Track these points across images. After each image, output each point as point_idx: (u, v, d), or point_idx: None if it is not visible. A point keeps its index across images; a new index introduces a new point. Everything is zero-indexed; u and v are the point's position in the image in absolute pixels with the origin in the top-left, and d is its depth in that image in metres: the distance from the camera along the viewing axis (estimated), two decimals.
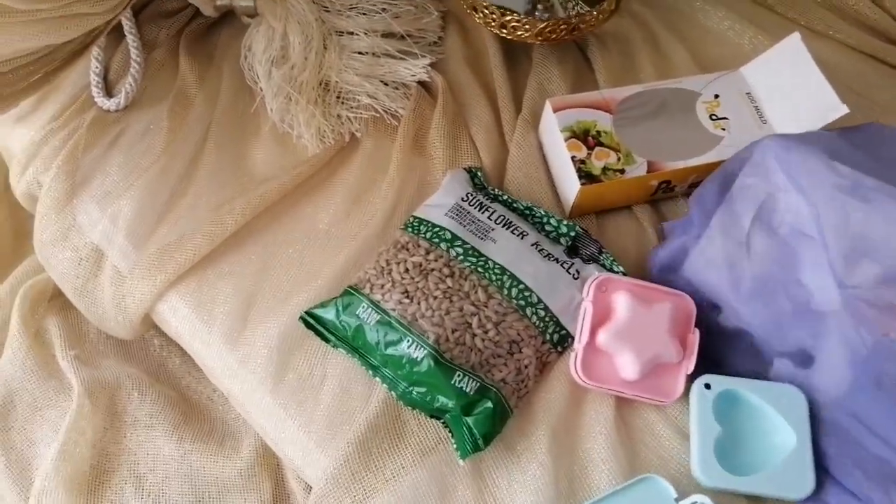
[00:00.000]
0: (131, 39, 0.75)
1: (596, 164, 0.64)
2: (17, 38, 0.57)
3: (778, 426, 0.57)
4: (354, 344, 0.59)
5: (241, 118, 0.74)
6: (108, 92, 0.74)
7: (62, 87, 0.74)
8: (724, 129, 0.67)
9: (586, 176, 0.64)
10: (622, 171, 0.64)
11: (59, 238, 0.68)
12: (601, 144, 0.65)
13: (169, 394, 0.73)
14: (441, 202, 0.65)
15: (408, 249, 0.62)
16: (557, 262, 0.62)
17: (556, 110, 0.67)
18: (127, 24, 0.76)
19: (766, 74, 0.69)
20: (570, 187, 0.65)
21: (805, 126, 0.64)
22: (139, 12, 0.79)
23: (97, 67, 0.74)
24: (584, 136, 0.66)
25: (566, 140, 0.65)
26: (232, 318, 0.63)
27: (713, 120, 0.68)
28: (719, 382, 0.58)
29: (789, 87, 0.67)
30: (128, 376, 0.73)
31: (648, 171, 0.64)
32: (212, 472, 0.69)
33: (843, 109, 0.62)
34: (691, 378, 0.58)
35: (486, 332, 0.58)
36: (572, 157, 0.64)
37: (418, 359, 0.56)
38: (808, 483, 0.55)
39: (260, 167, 0.72)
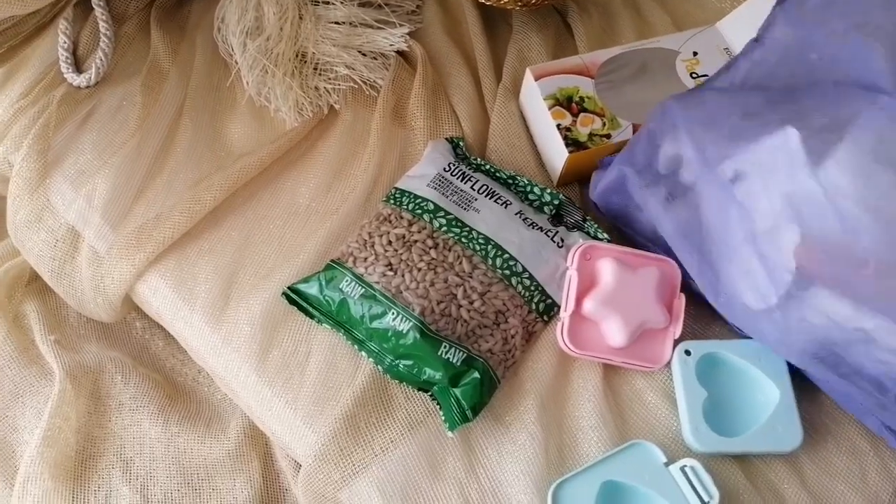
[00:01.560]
0: (100, 12, 0.73)
1: (582, 131, 0.63)
2: None
3: (760, 383, 0.58)
4: (339, 318, 0.58)
5: (217, 92, 0.73)
6: (78, 67, 0.72)
7: (30, 64, 0.71)
8: None
9: (573, 143, 0.63)
10: (608, 136, 0.63)
11: (33, 220, 0.67)
12: (585, 110, 0.64)
13: (153, 376, 0.72)
14: (423, 173, 0.64)
15: (390, 221, 0.61)
16: (542, 231, 0.61)
17: (537, 78, 0.66)
18: None
19: (742, 28, 0.69)
20: (557, 156, 0.64)
21: None
22: None
23: (65, 42, 0.71)
24: (568, 103, 0.65)
25: (550, 108, 0.64)
26: (213, 296, 0.62)
27: (694, 78, 0.67)
28: (699, 347, 0.58)
29: None
30: (110, 360, 0.71)
31: (634, 134, 0.64)
32: (199, 454, 0.68)
33: None
34: (679, 343, 0.58)
35: (471, 303, 0.58)
36: (557, 125, 0.63)
37: (404, 331, 0.56)
38: (797, 435, 0.55)
39: (237, 142, 0.70)
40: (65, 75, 0.71)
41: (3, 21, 0.60)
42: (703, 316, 0.61)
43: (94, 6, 0.73)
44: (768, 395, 0.57)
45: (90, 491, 0.65)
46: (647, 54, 0.68)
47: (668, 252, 0.59)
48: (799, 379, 0.57)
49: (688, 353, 0.58)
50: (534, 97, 0.66)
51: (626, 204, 0.60)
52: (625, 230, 0.63)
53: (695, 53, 0.69)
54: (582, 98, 0.65)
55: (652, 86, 0.67)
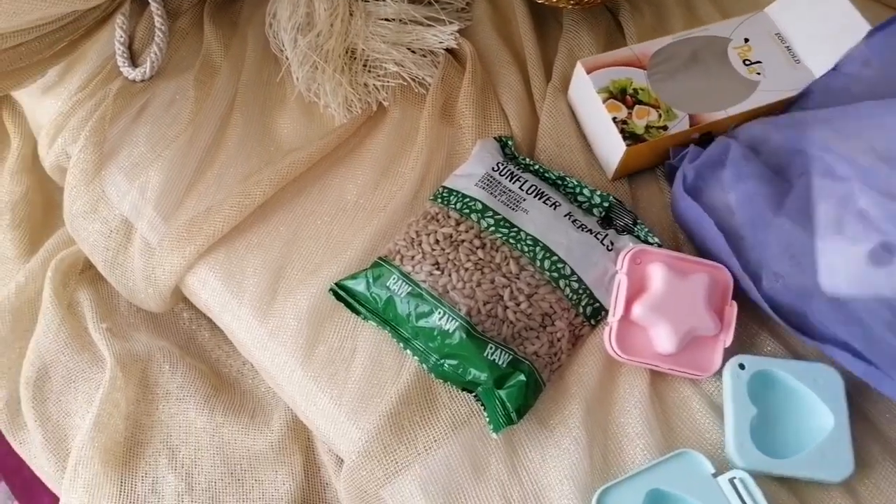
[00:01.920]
0: (155, 8, 0.74)
1: (638, 123, 0.62)
2: (43, 3, 0.56)
3: (815, 407, 0.56)
4: (385, 316, 0.59)
5: (267, 87, 0.73)
6: (134, 61, 0.74)
7: (87, 57, 0.73)
8: (759, 74, 0.66)
9: (630, 136, 0.62)
10: (665, 128, 0.62)
11: (88, 210, 0.68)
12: (640, 102, 0.63)
13: (199, 366, 0.74)
14: (471, 172, 0.63)
15: (438, 220, 0.61)
16: (591, 233, 0.60)
17: (588, 71, 0.65)
18: None
19: (792, 12, 0.67)
20: (614, 149, 0.63)
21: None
22: None
23: (122, 37, 0.73)
24: (622, 96, 0.64)
25: (604, 101, 0.63)
26: (261, 289, 0.63)
27: (747, 65, 0.66)
28: (753, 363, 0.57)
29: (818, 22, 0.65)
30: (159, 349, 0.73)
31: (691, 125, 0.63)
32: (243, 445, 0.69)
33: None
34: (729, 351, 0.57)
35: (518, 305, 0.57)
36: (613, 118, 0.62)
37: (450, 331, 0.55)
38: (847, 465, 0.53)
39: (286, 137, 0.71)
40: (121, 69, 0.72)
41: (65, 16, 0.61)
42: (751, 324, 0.60)
43: (149, 2, 0.74)
44: (821, 420, 0.55)
45: (137, 477, 0.66)
46: (698, 43, 0.67)
47: (731, 241, 0.58)
48: (857, 408, 0.55)
49: (742, 367, 0.56)
50: (586, 91, 0.65)
51: (712, 180, 0.60)
52: (689, 220, 0.62)
53: (746, 40, 0.67)
54: (636, 90, 0.64)
55: (705, 75, 0.65)
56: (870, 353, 0.53)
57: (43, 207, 0.84)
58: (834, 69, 0.64)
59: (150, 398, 0.70)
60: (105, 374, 0.69)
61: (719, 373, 0.57)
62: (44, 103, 0.74)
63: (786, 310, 0.57)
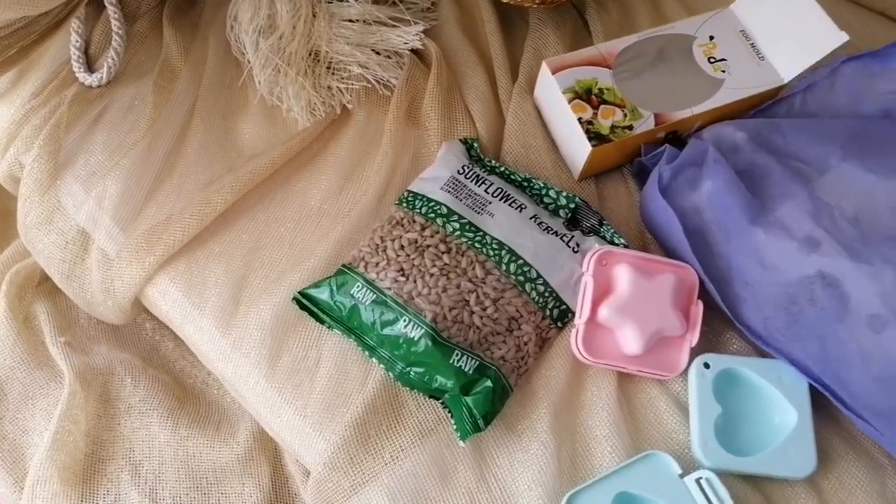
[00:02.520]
0: (112, 11, 0.72)
1: (603, 123, 0.62)
2: None
3: (778, 405, 0.56)
4: (350, 324, 0.57)
5: (229, 91, 0.72)
6: (90, 67, 0.72)
7: (42, 63, 0.71)
8: (724, 71, 0.65)
9: (595, 136, 0.61)
10: (630, 128, 0.62)
11: (43, 221, 0.66)
12: (606, 102, 0.63)
13: (163, 378, 0.72)
14: (436, 175, 0.63)
15: (402, 225, 0.60)
16: (557, 236, 0.60)
17: (554, 71, 0.64)
18: None
19: (756, 9, 0.67)
20: (579, 150, 0.63)
21: (805, 59, 0.63)
22: None
23: (77, 41, 0.71)
24: (587, 96, 0.63)
25: (569, 101, 0.63)
26: (223, 300, 0.62)
27: (712, 63, 0.66)
28: (719, 361, 0.57)
29: (783, 20, 0.66)
30: (120, 362, 0.71)
31: (656, 124, 0.62)
32: (209, 458, 0.68)
33: (843, 37, 0.62)
34: (695, 351, 0.57)
35: (484, 310, 0.57)
36: (579, 119, 0.62)
37: (415, 338, 0.55)
38: (810, 461, 0.53)
39: (249, 142, 0.69)
40: (76, 74, 0.71)
41: (14, 21, 0.59)
42: (717, 323, 0.60)
43: (106, 4, 0.73)
44: (785, 417, 0.55)
45: (99, 494, 0.65)
46: (663, 41, 0.67)
47: (696, 236, 0.59)
48: (820, 405, 0.55)
49: (707, 366, 0.56)
50: (552, 91, 0.65)
51: (684, 182, 0.61)
52: (658, 222, 0.62)
53: (711, 38, 0.67)
54: (601, 90, 0.63)
55: (671, 73, 0.65)
56: (822, 372, 0.54)
57: None
58: (804, 90, 0.66)
59: (112, 413, 0.68)
60: (64, 390, 0.67)
61: (686, 372, 0.57)
62: None
63: (752, 318, 0.57)
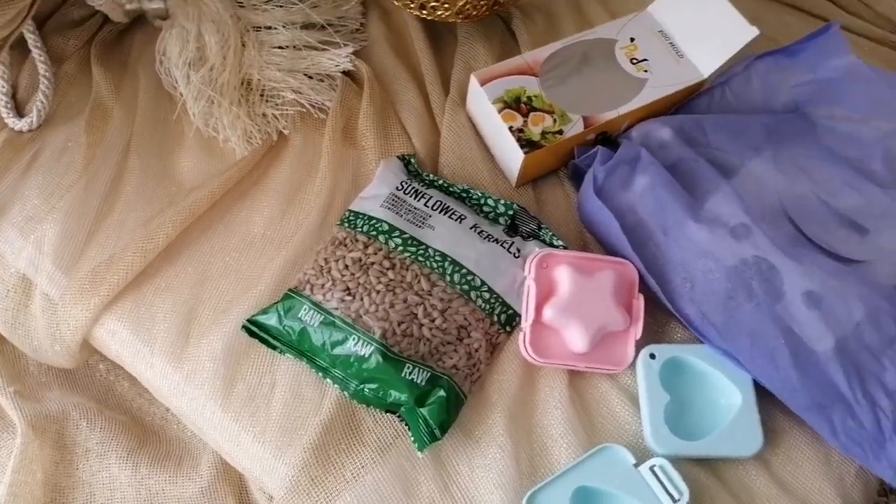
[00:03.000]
0: (37, 53, 0.72)
1: (534, 130, 0.64)
2: None
3: (723, 388, 0.58)
4: (301, 348, 0.58)
5: (164, 126, 0.72)
6: (19, 112, 0.71)
7: None
8: (646, 71, 0.68)
9: (527, 143, 0.63)
10: (560, 132, 0.64)
11: None
12: (535, 109, 0.65)
13: (120, 419, 0.71)
14: (376, 193, 0.64)
15: (346, 245, 0.61)
16: (497, 243, 0.61)
17: (482, 83, 0.66)
18: (31, 38, 0.72)
19: (673, 10, 0.70)
20: (513, 158, 0.65)
21: (721, 55, 0.66)
22: (43, 24, 0.75)
23: (3, 86, 0.70)
24: (517, 104, 0.65)
25: (500, 111, 0.64)
26: (173, 334, 0.61)
27: (634, 64, 0.68)
28: (664, 351, 0.59)
29: (697, 18, 0.69)
30: (74, 406, 0.70)
31: (585, 127, 0.64)
32: (172, 494, 0.67)
33: (754, 31, 0.65)
34: (640, 343, 0.59)
35: (432, 321, 0.58)
36: (510, 128, 0.64)
37: (366, 355, 0.55)
38: (757, 439, 0.56)
39: (188, 175, 0.69)
40: (6, 120, 0.70)
41: None
42: (660, 315, 0.62)
43: (31, 48, 0.72)
44: (731, 399, 0.57)
45: None
46: (587, 46, 0.69)
47: (633, 233, 0.61)
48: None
49: (652, 356, 0.58)
50: (481, 103, 0.66)
51: (618, 182, 0.63)
52: (596, 221, 0.64)
53: (632, 39, 0.70)
54: (530, 98, 0.65)
55: (595, 76, 0.67)
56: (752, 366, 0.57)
57: None
58: (722, 84, 0.69)
59: (69, 459, 0.68)
60: (16, 440, 0.66)
61: (633, 365, 0.59)
62: None
63: (690, 312, 0.59)
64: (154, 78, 0.74)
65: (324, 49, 0.74)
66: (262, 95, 0.71)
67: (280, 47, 0.73)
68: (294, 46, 0.73)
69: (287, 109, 0.71)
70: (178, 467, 0.68)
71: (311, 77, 0.73)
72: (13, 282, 0.65)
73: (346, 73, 0.74)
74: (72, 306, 0.63)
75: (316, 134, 0.71)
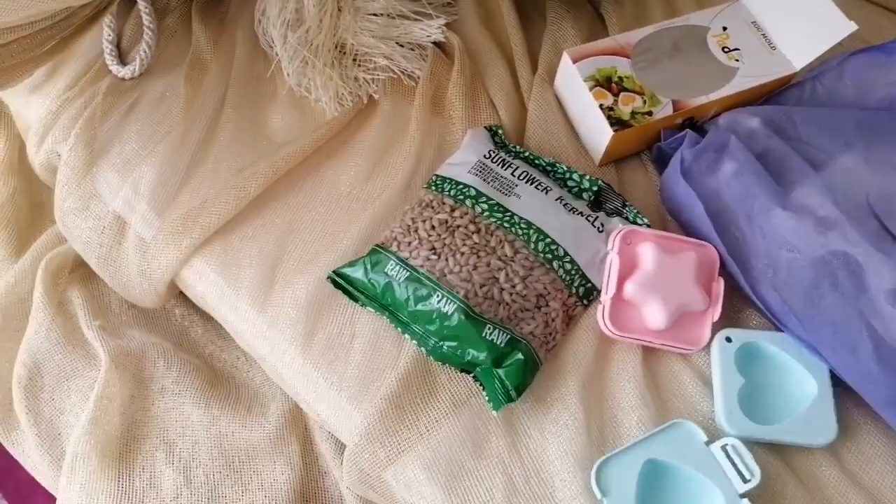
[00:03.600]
0: (143, 6, 0.75)
1: (624, 110, 0.65)
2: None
3: (799, 376, 0.58)
4: (384, 301, 0.60)
5: (258, 83, 0.74)
6: (122, 60, 0.74)
7: (75, 56, 0.73)
8: (737, 60, 0.68)
9: (617, 122, 0.64)
10: (650, 114, 0.65)
11: (80, 207, 0.68)
12: (625, 89, 0.66)
13: (194, 362, 0.74)
14: (464, 160, 0.65)
15: (433, 207, 0.62)
16: (582, 216, 0.62)
17: (574, 61, 0.67)
18: None
19: (767, 1, 0.70)
20: (601, 135, 0.65)
21: (815, 48, 0.66)
22: None
23: (110, 35, 0.73)
24: (608, 83, 0.66)
25: (591, 89, 0.65)
26: (259, 280, 0.64)
27: (726, 52, 0.68)
28: (740, 336, 0.59)
29: (792, 11, 0.68)
30: (152, 345, 0.73)
31: (675, 111, 0.65)
32: (241, 437, 0.69)
33: (852, 27, 0.64)
34: (717, 326, 0.59)
35: (513, 287, 0.59)
36: (600, 105, 0.64)
37: (448, 313, 0.57)
38: (831, 429, 0.56)
39: (278, 131, 0.71)
40: (110, 67, 0.73)
41: (58, 13, 0.61)
42: (737, 301, 0.62)
43: (137, 1, 0.75)
44: (806, 388, 0.57)
45: (135, 472, 0.66)
46: (678, 32, 0.70)
47: (716, 218, 0.61)
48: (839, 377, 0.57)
49: (729, 340, 0.59)
50: (573, 79, 0.67)
51: (705, 167, 0.63)
52: (679, 204, 0.64)
53: (724, 28, 0.70)
54: (621, 78, 0.66)
55: (686, 62, 0.68)
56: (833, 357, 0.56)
57: (30, 208, 0.83)
58: (814, 78, 0.68)
59: (146, 394, 0.70)
60: (99, 371, 0.69)
61: (708, 346, 0.59)
62: (31, 103, 0.74)
63: (771, 299, 0.59)
64: (251, 37, 0.76)
65: (416, 19, 0.75)
66: (354, 60, 0.73)
67: (374, 14, 0.75)
68: (388, 14, 0.75)
69: (378, 75, 0.72)
70: (248, 412, 0.71)
71: (402, 45, 0.74)
72: (109, 220, 0.68)
73: (436, 44, 0.75)
74: (164, 246, 0.65)
75: (405, 101, 0.72)
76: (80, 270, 0.77)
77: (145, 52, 0.73)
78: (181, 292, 0.72)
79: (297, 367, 0.61)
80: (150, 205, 0.67)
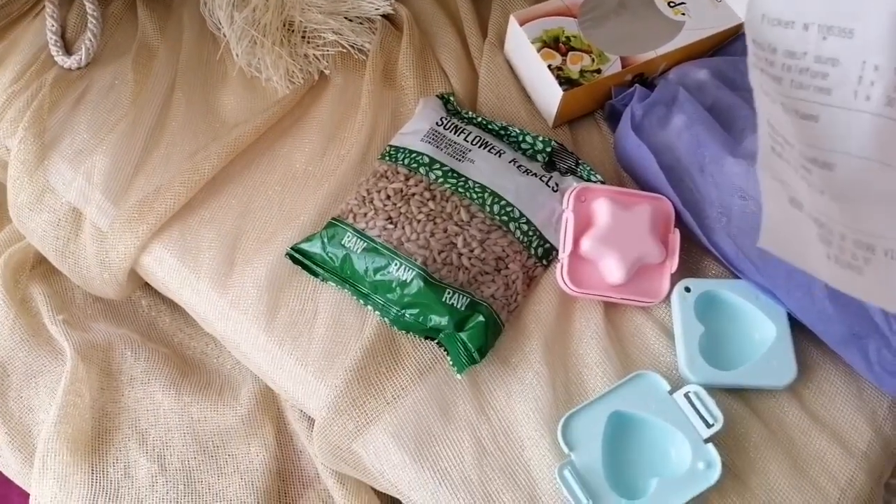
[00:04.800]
0: None
1: (573, 69, 0.65)
2: None
3: (757, 321, 0.59)
4: (343, 274, 0.59)
5: (207, 65, 0.73)
6: (68, 50, 0.73)
7: (19, 49, 0.72)
8: (684, 14, 0.69)
9: (566, 81, 0.64)
10: (598, 71, 0.65)
11: (34, 201, 0.67)
12: (573, 49, 0.66)
13: (163, 351, 0.73)
14: (416, 129, 0.65)
15: (387, 177, 0.62)
16: (536, 177, 0.62)
17: (521, 23, 0.67)
18: None
19: None
20: (551, 96, 0.66)
21: None
22: None
23: (53, 25, 0.72)
24: (556, 44, 0.66)
25: (539, 50, 0.65)
26: (218, 261, 0.63)
27: (672, 7, 0.69)
28: (698, 285, 0.59)
29: None
30: (119, 337, 0.72)
31: (623, 67, 0.65)
32: (213, 422, 0.69)
33: None
34: (675, 277, 0.60)
35: (471, 251, 0.59)
36: (549, 66, 0.65)
37: (408, 280, 0.57)
38: (791, 370, 0.56)
39: (231, 112, 0.71)
40: (55, 58, 0.71)
41: None
42: (694, 251, 0.63)
43: None
44: (765, 332, 0.58)
45: (108, 463, 0.66)
46: None
47: (670, 171, 0.61)
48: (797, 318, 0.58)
49: (687, 289, 0.59)
50: (521, 42, 0.67)
51: (655, 120, 0.63)
52: (632, 158, 0.64)
53: None
54: (568, 38, 0.66)
55: (633, 19, 0.68)
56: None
57: None
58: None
59: (115, 385, 0.70)
60: (66, 366, 0.68)
61: (668, 298, 0.60)
62: None
63: (727, 247, 0.59)
64: (198, 19, 0.75)
65: None
66: (303, 37, 0.73)
67: None
68: None
69: (328, 50, 0.72)
70: (219, 397, 0.70)
71: (351, 20, 0.74)
72: (64, 212, 0.67)
73: (385, 16, 0.75)
74: (120, 234, 0.65)
75: (356, 75, 0.72)
76: (41, 267, 0.76)
77: (91, 40, 0.72)
78: (147, 283, 0.71)
79: (261, 345, 0.61)
80: (104, 194, 0.66)
